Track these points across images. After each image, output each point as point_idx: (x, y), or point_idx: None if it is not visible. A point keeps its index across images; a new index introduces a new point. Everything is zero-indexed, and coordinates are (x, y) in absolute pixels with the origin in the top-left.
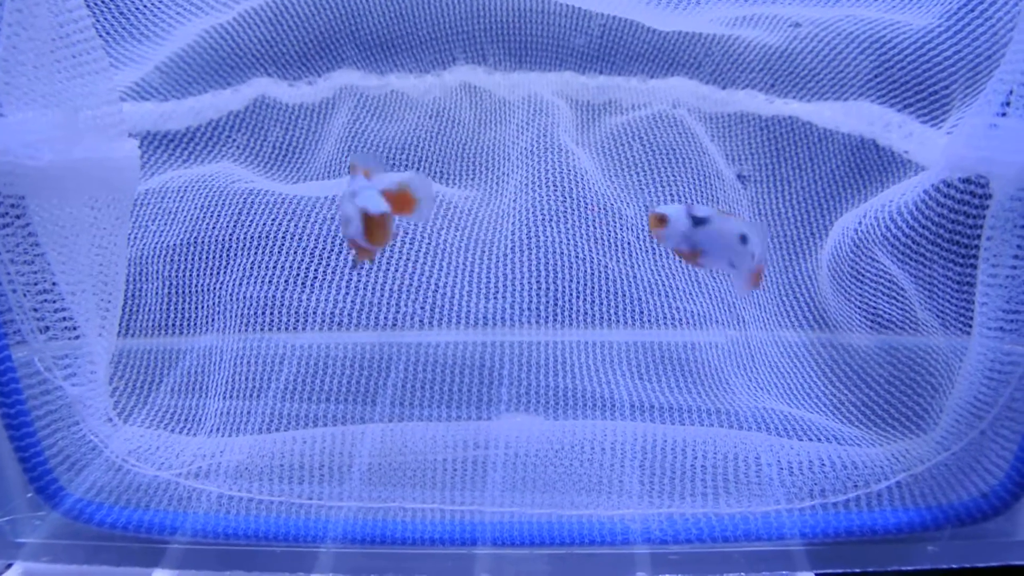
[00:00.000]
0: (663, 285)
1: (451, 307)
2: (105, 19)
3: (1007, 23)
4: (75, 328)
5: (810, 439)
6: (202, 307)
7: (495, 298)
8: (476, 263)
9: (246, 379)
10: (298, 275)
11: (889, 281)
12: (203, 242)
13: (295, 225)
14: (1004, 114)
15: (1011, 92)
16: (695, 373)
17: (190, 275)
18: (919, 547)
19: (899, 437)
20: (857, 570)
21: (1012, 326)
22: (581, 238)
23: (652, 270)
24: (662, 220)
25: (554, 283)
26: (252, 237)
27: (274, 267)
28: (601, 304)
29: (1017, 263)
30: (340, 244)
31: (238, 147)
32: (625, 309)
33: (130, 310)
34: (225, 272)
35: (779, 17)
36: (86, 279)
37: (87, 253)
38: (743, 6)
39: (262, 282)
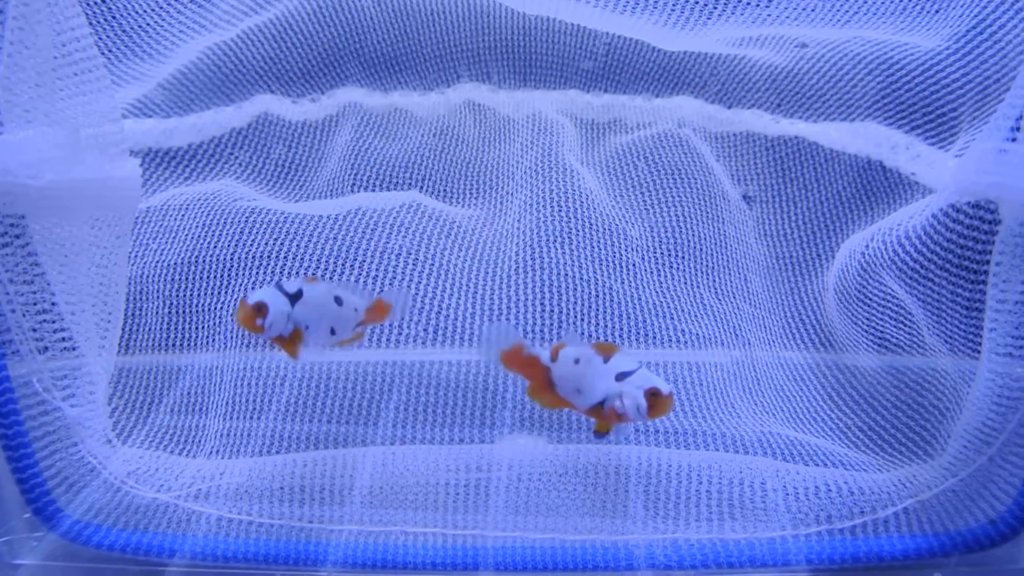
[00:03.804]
0: (667, 307)
1: (454, 328)
2: (107, 36)
3: (1016, 46)
4: (74, 348)
5: (816, 464)
6: (203, 326)
7: (499, 319)
8: (479, 283)
9: (246, 399)
10: None
11: (896, 304)
12: (204, 261)
13: (297, 244)
14: (1014, 139)
15: (1020, 117)
16: (700, 396)
17: (191, 294)
18: (926, 574)
19: (906, 462)
20: None
21: (1021, 351)
22: (585, 259)
23: (657, 291)
24: (260, 308)
25: (558, 304)
26: (254, 256)
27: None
28: (605, 325)
29: None
30: (343, 264)
31: (240, 165)
32: (629, 330)
33: (130, 329)
34: (226, 291)
35: (786, 37)
36: (86, 298)
37: (87, 272)
38: (750, 26)
39: None
